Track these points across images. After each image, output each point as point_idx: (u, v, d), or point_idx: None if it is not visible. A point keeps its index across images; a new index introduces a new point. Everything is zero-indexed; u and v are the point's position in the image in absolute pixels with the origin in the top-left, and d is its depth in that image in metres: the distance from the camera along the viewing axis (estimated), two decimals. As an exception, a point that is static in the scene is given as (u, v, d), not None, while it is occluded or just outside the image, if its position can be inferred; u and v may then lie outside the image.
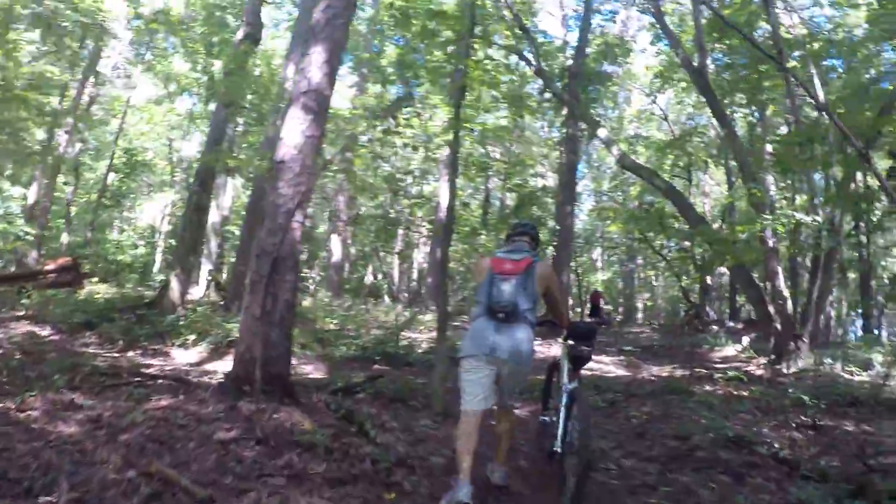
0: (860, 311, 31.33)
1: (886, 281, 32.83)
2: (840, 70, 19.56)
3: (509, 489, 5.45)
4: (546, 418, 6.61)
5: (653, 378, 12.58)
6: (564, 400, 5.28)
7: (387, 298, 31.98)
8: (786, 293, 14.02)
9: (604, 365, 15.08)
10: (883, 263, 35.55)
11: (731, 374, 12.32)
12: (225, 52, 18.40)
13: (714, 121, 24.99)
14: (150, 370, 8.97)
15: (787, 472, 6.29)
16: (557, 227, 23.22)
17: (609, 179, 38.58)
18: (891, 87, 13.69)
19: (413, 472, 5.36)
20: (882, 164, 22.46)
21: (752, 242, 13.48)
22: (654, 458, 6.69)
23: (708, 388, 11.12)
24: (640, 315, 42.90)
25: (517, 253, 5.21)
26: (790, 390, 10.30)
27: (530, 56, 17.74)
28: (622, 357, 16.36)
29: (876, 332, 28.49)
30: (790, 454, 6.83)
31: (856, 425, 8.65)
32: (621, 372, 14.13)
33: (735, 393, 10.63)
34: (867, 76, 17.25)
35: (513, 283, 4.93)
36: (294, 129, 6.70)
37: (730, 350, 19.03)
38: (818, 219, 12.36)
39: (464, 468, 4.66)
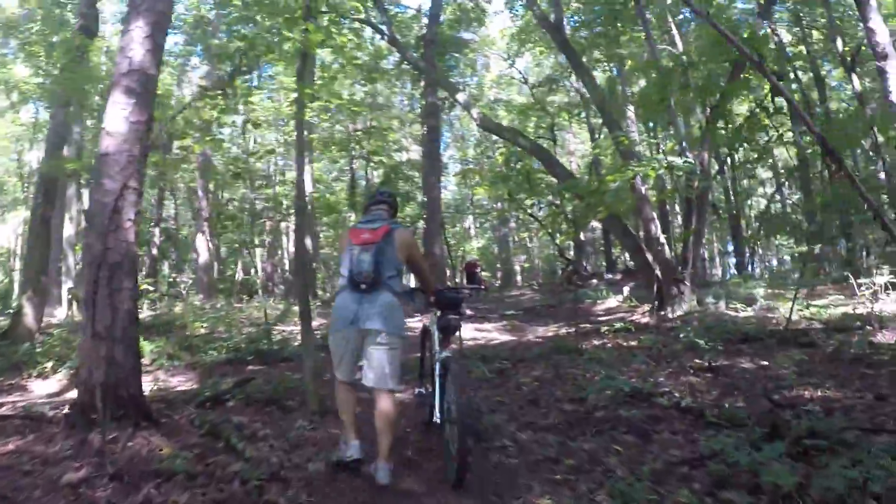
0: (732, 250, 32.21)
1: (754, 219, 33.90)
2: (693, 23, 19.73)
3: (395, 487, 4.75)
4: (421, 389, 6.46)
5: (539, 340, 12.08)
6: (437, 369, 5.24)
7: (260, 294, 30.72)
8: (662, 239, 13.81)
9: (487, 332, 14.55)
10: (749, 203, 36.73)
11: (617, 325, 12.00)
12: (60, 50, 16.83)
13: (574, 80, 25.45)
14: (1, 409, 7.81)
15: (693, 421, 5.88)
16: (425, 199, 22.64)
17: (474, 146, 38.24)
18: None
19: (288, 485, 4.66)
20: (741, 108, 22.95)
21: (622, 192, 13.14)
22: (551, 426, 6.06)
23: (596, 342, 10.71)
24: (518, 278, 42.87)
25: (375, 222, 5.13)
26: (681, 335, 10.00)
27: (383, 27, 16.99)
28: (505, 322, 15.86)
29: (749, 269, 29.23)
30: (692, 401, 6.41)
31: (751, 361, 8.38)
32: (506, 337, 13.61)
33: (625, 344, 10.27)
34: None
35: (371, 252, 4.85)
36: (117, 117, 5.75)
37: (612, 301, 18.91)
38: (690, 160, 12.08)
39: (349, 429, 4.88)
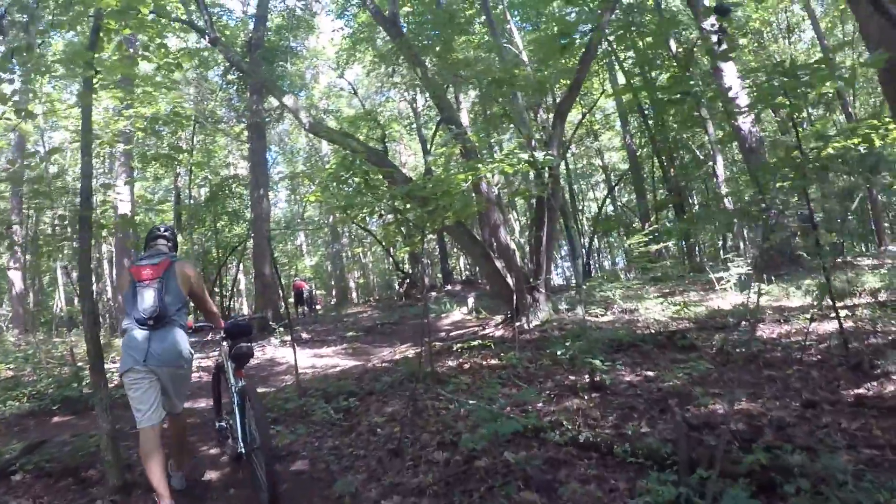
0: (569, 253, 32.03)
1: (586, 222, 33.89)
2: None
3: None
4: (223, 423, 6.07)
5: (387, 364, 10.50)
6: (236, 400, 5.20)
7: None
8: (512, 245, 12.68)
9: (327, 358, 13.02)
10: (581, 206, 36.89)
11: (472, 343, 10.72)
12: None
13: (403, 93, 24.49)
14: None
15: (602, 461, 4.63)
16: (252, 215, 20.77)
17: (303, 161, 36.30)
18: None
19: None
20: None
21: (466, 195, 11.90)
22: (424, 488, 4.58)
23: (452, 363, 9.36)
24: (354, 295, 41.28)
25: (156, 257, 5.09)
26: (547, 349, 8.84)
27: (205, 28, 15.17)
28: (346, 345, 14.31)
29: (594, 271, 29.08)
30: (591, 434, 5.08)
31: (635, 373, 7.25)
32: (349, 363, 12.13)
33: (485, 364, 8.94)
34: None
35: (155, 287, 4.84)
36: None
37: (457, 314, 17.75)
38: (552, 155, 10.93)
39: (159, 486, 4.50)
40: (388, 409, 6.95)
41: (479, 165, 9.08)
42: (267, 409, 7.16)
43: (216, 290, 29.56)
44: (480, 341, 10.75)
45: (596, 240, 34.00)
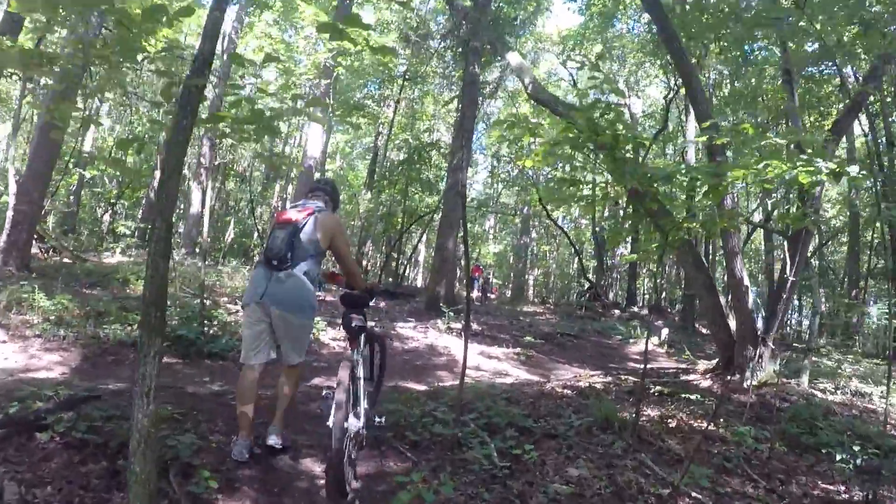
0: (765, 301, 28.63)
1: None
2: None
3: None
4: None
5: (568, 391, 8.42)
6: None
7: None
8: (746, 281, 10.26)
9: (496, 361, 11.14)
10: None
11: (670, 388, 8.51)
12: None
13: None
14: None
15: None
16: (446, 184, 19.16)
17: (509, 143, 34.35)
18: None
19: None
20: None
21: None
22: None
23: (652, 413, 7.20)
24: (531, 292, 39.27)
25: (305, 206, 5.00)
26: (785, 427, 6.62)
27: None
28: (519, 349, 12.33)
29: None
30: None
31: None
32: (521, 374, 10.24)
33: (695, 425, 6.76)
34: None
35: (287, 231, 4.74)
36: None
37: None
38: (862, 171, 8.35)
39: (242, 426, 4.58)
40: (575, 472, 4.93)
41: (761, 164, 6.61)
42: (409, 422, 5.63)
43: (393, 255, 28.43)
44: (682, 388, 8.58)
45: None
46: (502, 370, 10.29)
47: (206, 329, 9.14)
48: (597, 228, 30.28)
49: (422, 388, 8.09)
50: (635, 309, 26.27)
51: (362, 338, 5.13)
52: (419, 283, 38.76)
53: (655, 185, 5.84)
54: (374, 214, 25.73)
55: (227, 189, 34.04)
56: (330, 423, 4.12)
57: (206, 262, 20.70)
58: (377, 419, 5.16)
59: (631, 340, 15.73)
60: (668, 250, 6.74)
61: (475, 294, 27.34)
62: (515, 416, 6.07)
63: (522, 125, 5.75)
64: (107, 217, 29.13)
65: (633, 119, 30.04)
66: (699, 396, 8.05)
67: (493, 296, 29.71)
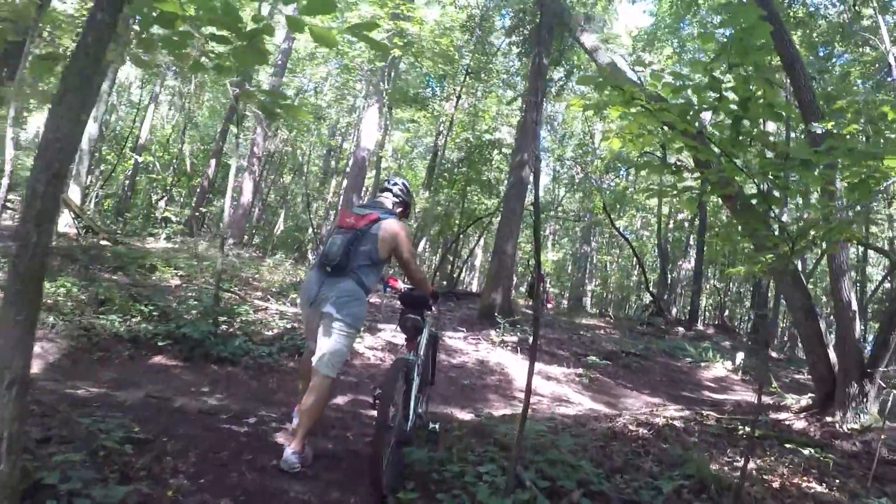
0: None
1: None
2: None
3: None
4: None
5: (643, 432, 6.91)
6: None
7: (310, 257, 26.36)
8: (854, 305, 8.72)
9: (555, 383, 9.79)
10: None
11: (769, 433, 7.05)
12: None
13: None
14: None
15: None
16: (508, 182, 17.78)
17: (576, 147, 32.86)
18: None
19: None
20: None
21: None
22: None
23: (757, 464, 5.74)
24: (588, 303, 37.54)
25: (368, 208, 4.87)
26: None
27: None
28: (581, 370, 10.93)
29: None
30: None
31: None
32: (585, 400, 8.90)
33: (804, 487, 5.35)
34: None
35: (346, 238, 4.61)
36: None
37: (719, 368, 13.95)
38: None
39: (301, 394, 4.74)
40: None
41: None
42: (444, 479, 4.19)
43: (448, 257, 27.22)
44: (778, 434, 7.14)
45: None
46: (563, 395, 8.96)
47: (217, 328, 8.01)
48: (662, 239, 28.74)
49: (467, 416, 6.82)
50: (700, 327, 24.60)
51: (423, 340, 5.00)
52: (474, 288, 37.54)
53: (781, 174, 4.43)
54: (431, 214, 24.43)
55: (283, 182, 33.32)
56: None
57: (252, 254, 19.82)
58: (431, 426, 5.05)
59: (703, 364, 14.22)
60: (791, 259, 5.32)
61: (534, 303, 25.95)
62: (585, 472, 4.63)
63: (616, 89, 4.29)
64: (162, 203, 28.59)
65: (702, 125, 28.33)
66: (802, 444, 6.60)
67: (549, 305, 28.27)
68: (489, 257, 39.45)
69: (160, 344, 7.36)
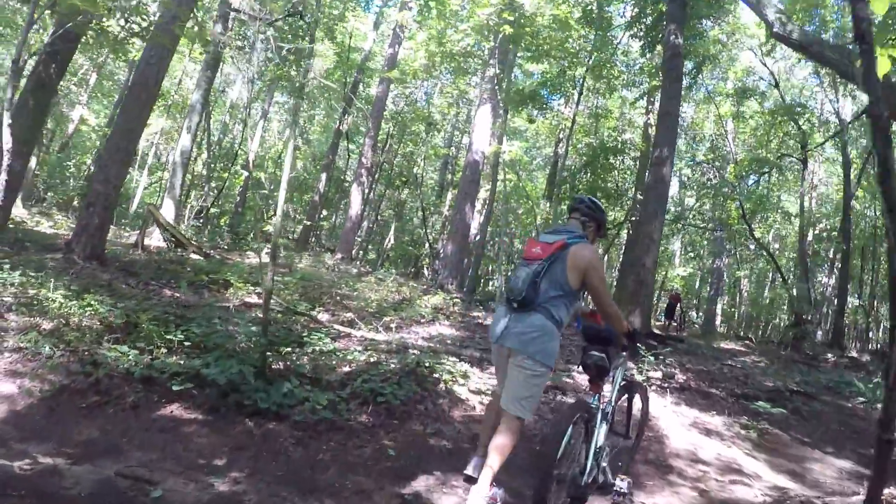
0: None
1: None
2: None
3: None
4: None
5: None
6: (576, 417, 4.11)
7: (429, 275, 24.83)
8: None
9: (717, 441, 7.47)
10: None
11: None
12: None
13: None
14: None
15: None
16: (640, 192, 15.49)
17: (706, 152, 30.01)
18: None
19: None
20: None
21: None
22: None
23: None
24: (718, 322, 34.34)
25: (556, 234, 4.50)
26: None
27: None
28: (746, 419, 8.58)
29: None
30: None
31: None
32: (764, 470, 6.59)
33: None
34: None
35: (531, 270, 4.33)
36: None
37: None
38: None
39: (480, 443, 4.57)
40: None
41: None
42: None
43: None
44: None
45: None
46: (731, 461, 6.67)
47: (263, 366, 5.88)
48: (804, 248, 25.73)
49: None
50: (854, 353, 21.65)
51: (615, 383, 4.70)
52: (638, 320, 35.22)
53: None
54: (552, 225, 22.37)
55: (399, 195, 32.15)
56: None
57: (360, 269, 18.30)
58: (618, 484, 4.53)
59: (880, 405, 11.64)
60: None
61: (672, 324, 23.91)
62: None
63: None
64: (276, 219, 28.00)
65: (843, 123, 25.47)
66: None
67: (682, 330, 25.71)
68: (615, 274, 37.07)
69: (177, 388, 5.44)
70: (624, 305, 12.99)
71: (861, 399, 11.95)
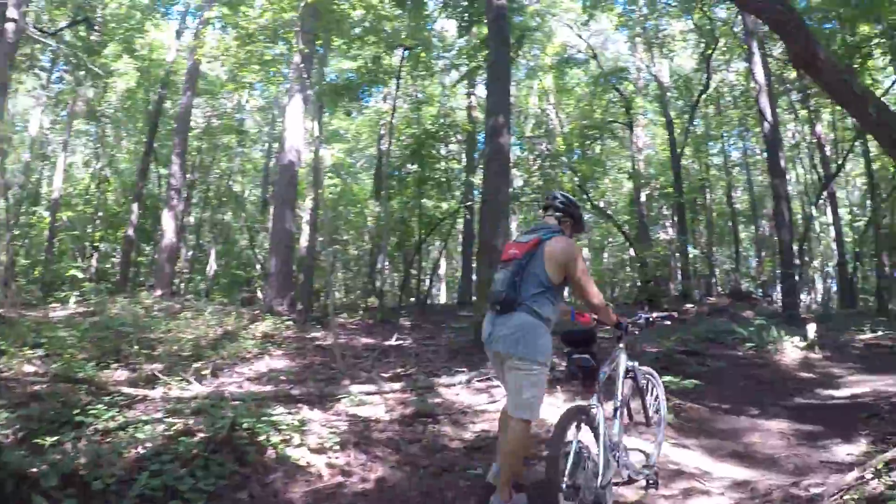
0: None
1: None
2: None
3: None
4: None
5: None
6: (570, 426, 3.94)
7: (264, 300, 22.11)
8: None
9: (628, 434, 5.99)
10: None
11: None
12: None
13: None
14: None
15: None
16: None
17: (533, 127, 29.20)
18: None
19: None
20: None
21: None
22: None
23: None
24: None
25: (532, 233, 4.36)
26: None
27: None
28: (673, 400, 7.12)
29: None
30: None
31: None
32: (710, 464, 5.27)
33: None
34: None
35: (509, 271, 4.20)
36: None
37: (788, 347, 10.85)
38: None
39: (498, 448, 4.46)
40: None
41: None
42: None
43: (412, 271, 23.51)
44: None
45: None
46: (664, 460, 5.20)
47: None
48: (639, 207, 25.59)
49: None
50: (713, 298, 21.41)
51: (619, 377, 4.49)
52: (443, 300, 34.01)
53: None
54: (385, 226, 20.43)
55: (222, 217, 29.65)
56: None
57: (184, 303, 15.76)
58: (645, 473, 4.43)
59: (769, 349, 10.79)
60: None
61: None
62: None
63: None
64: (93, 261, 25.14)
65: (662, 88, 25.61)
66: None
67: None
68: (455, 265, 35.66)
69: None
70: (482, 294, 11.09)
71: (749, 345, 11.14)
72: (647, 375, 4.99)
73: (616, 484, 4.20)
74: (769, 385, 8.31)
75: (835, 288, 30.86)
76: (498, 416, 5.34)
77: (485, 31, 15.63)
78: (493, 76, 12.27)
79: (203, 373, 7.75)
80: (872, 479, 4.04)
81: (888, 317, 17.86)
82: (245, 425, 4.94)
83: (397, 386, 7.45)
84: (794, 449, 5.61)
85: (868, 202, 28.84)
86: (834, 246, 27.55)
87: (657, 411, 5.04)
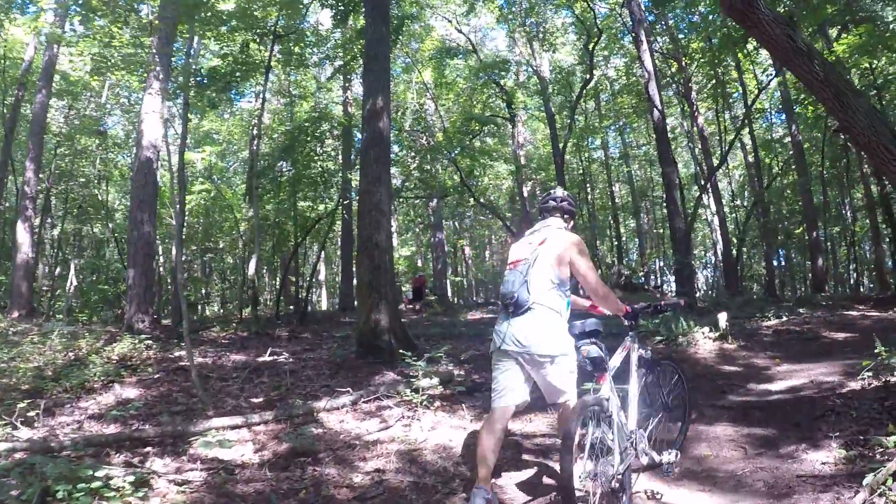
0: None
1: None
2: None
3: None
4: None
5: None
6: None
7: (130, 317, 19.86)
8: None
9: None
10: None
11: None
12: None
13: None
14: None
15: None
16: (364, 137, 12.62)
17: (412, 122, 28.00)
18: None
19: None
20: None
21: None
22: None
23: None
24: (450, 293, 33.11)
25: (536, 233, 4.44)
26: None
27: None
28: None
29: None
30: None
31: None
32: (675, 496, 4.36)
33: None
34: None
35: (518, 272, 4.21)
36: None
37: (699, 338, 10.16)
38: None
39: (480, 474, 4.05)
40: None
41: None
42: None
43: (290, 277, 22.08)
44: None
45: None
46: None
47: None
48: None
49: None
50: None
51: (632, 366, 4.36)
52: (324, 306, 32.54)
53: None
54: (257, 229, 18.62)
55: (91, 228, 27.23)
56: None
57: (29, 326, 13.73)
58: (665, 458, 4.29)
59: (682, 341, 10.04)
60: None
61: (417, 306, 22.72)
62: None
63: None
64: None
65: (543, 82, 25.18)
66: None
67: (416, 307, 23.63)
68: (337, 270, 34.13)
69: None
70: (363, 300, 9.99)
71: (658, 338, 10.37)
72: (661, 362, 4.94)
73: (636, 470, 4.11)
74: (693, 382, 7.47)
75: (716, 276, 31.43)
76: (393, 447, 5.37)
77: (361, 22, 14.71)
78: (370, 55, 10.98)
79: (31, 413, 6.12)
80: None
81: (781, 302, 17.73)
82: (60, 494, 3.63)
83: (269, 415, 6.04)
84: (755, 461, 4.69)
85: (746, 192, 29.60)
86: (715, 235, 28.03)
87: (678, 396, 4.99)
